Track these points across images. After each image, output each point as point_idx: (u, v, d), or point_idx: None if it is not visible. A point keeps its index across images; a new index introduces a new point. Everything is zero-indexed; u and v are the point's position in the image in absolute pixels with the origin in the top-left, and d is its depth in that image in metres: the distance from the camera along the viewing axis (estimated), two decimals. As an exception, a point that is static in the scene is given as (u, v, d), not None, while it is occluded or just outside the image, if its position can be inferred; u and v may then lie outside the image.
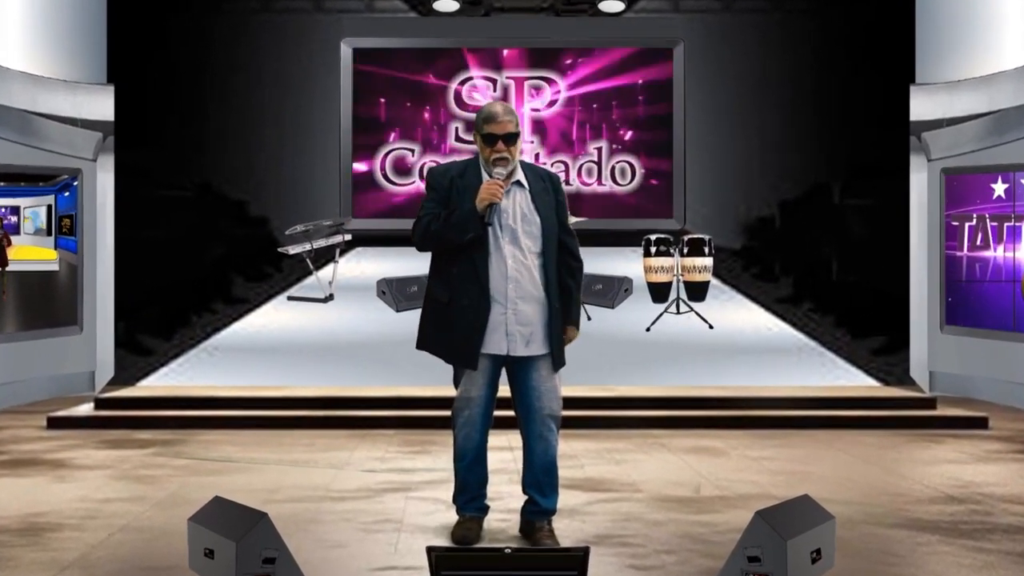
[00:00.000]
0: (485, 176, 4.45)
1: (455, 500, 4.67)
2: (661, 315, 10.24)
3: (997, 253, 9.04)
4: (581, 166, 12.84)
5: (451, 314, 4.45)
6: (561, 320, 4.51)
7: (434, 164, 11.12)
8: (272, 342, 9.93)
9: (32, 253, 8.96)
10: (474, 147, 4.61)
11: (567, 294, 4.55)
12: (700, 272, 10.60)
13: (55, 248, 9.13)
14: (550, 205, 4.54)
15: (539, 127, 12.92)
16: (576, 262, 4.62)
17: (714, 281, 11.00)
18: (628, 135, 12.85)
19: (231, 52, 12.06)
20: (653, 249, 10.66)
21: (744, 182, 12.39)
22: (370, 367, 8.99)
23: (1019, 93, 8.96)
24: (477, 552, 4.12)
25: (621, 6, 12.63)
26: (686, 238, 10.68)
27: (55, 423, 7.70)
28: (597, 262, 10.54)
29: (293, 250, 11.25)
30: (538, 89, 12.90)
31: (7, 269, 8.73)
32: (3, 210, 8.76)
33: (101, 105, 9.72)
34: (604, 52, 12.85)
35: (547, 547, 4.35)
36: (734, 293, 11.75)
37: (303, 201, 12.37)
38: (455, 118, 12.82)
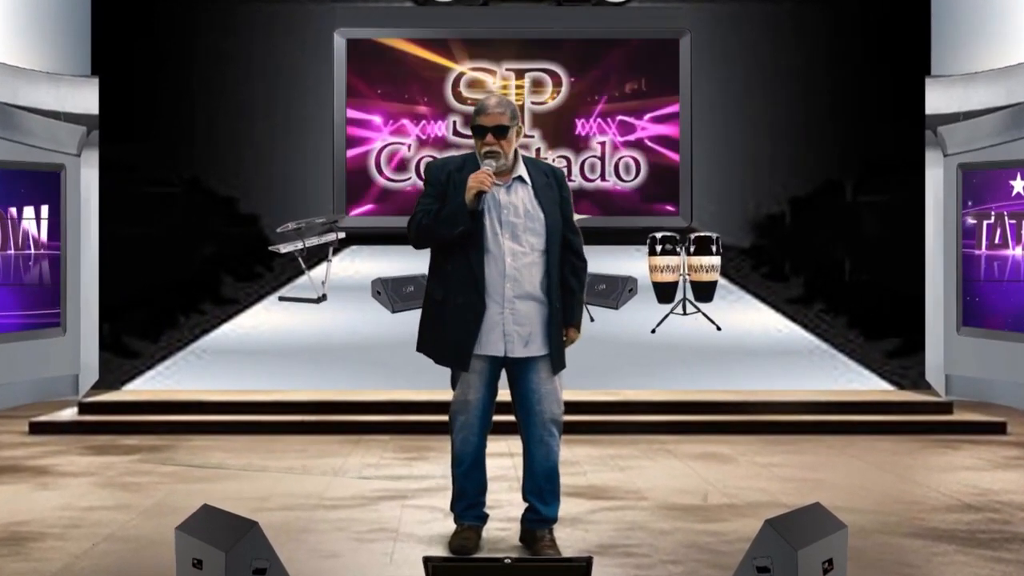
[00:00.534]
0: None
1: (453, 508, 4.68)
2: (667, 316, 10.24)
3: (1016, 252, 9.04)
4: (584, 161, 12.84)
5: (445, 313, 4.46)
6: (561, 320, 4.52)
7: (431, 159, 11.12)
8: (263, 344, 9.93)
9: None
10: (472, 142, 4.63)
11: (569, 294, 4.56)
12: (707, 271, 10.60)
13: None
14: (554, 201, 4.55)
15: (540, 121, 12.91)
16: (580, 261, 4.62)
17: (722, 281, 11.00)
18: (632, 129, 12.85)
19: (220, 43, 12.05)
20: (658, 247, 10.66)
21: (753, 178, 12.38)
22: (365, 370, 8.99)
23: (1039, 85, 8.97)
24: (476, 562, 4.12)
25: (625, -5, 12.62)
26: (693, 236, 10.68)
27: (37, 428, 7.70)
28: (600, 261, 10.53)
29: (284, 248, 11.24)
30: (539, 82, 12.89)
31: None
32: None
33: (85, 98, 9.72)
34: (607, 43, 12.84)
35: (548, 557, 4.35)
36: (743, 293, 11.75)
37: (295, 198, 12.35)
38: (453, 111, 12.82)
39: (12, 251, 8.99)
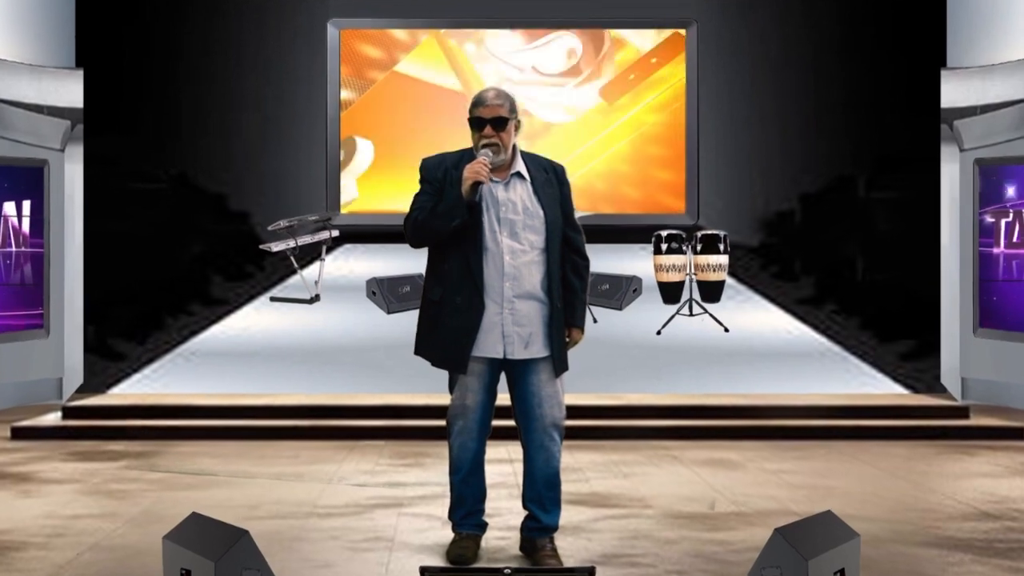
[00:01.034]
0: (477, 167, 4.47)
1: (451, 516, 4.68)
2: (673, 317, 10.25)
3: (1035, 250, 9.04)
4: (586, 157, 12.85)
5: (442, 313, 4.46)
6: (563, 321, 4.52)
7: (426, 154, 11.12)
8: (254, 346, 9.93)
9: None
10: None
11: (571, 293, 4.56)
12: (715, 271, 10.60)
13: None
14: (554, 197, 4.55)
15: (540, 113, 12.92)
16: (582, 260, 4.63)
17: (730, 280, 11.01)
18: (637, 123, 12.86)
19: (209, 34, 12.06)
20: (664, 246, 10.66)
21: (762, 174, 12.40)
22: (359, 373, 8.99)
23: (1058, 78, 8.97)
24: (474, 573, 4.14)
25: (629, -17, 12.65)
26: (699, 234, 10.69)
27: (19, 433, 7.70)
28: (603, 260, 10.54)
29: (276, 247, 11.25)
30: (540, 72, 12.90)
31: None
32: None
33: (69, 91, 9.72)
34: (612, 32, 12.85)
35: (550, 567, 4.35)
36: (751, 293, 11.76)
37: (287, 194, 12.37)
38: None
39: (-7, 250, 9.00)
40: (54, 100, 9.63)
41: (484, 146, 4.45)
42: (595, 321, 9.92)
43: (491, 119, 4.47)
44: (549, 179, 4.58)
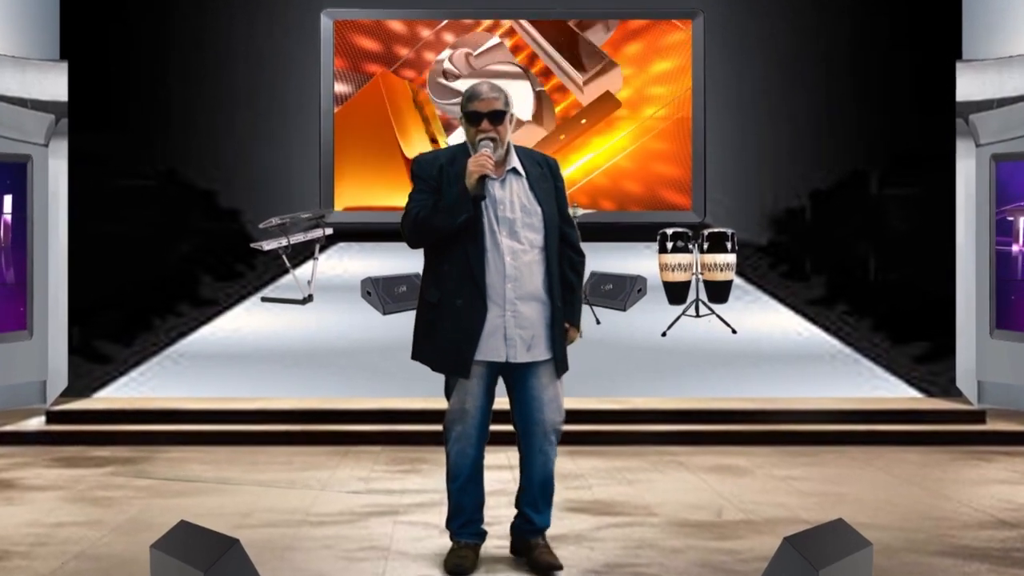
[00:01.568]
0: (475, 161, 4.47)
1: (448, 525, 4.68)
2: (678, 318, 10.25)
3: (1053, 249, 9.04)
4: (587, 153, 12.85)
5: (442, 316, 4.46)
6: (563, 321, 4.53)
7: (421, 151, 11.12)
8: (244, 348, 9.93)
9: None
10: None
11: (569, 291, 4.57)
12: (722, 270, 10.60)
13: None
14: (550, 193, 4.56)
15: (539, 107, 12.92)
16: (578, 255, 4.64)
17: (737, 280, 11.01)
18: (641, 117, 12.86)
19: (198, 25, 12.05)
20: (669, 245, 10.66)
21: (771, 170, 12.39)
22: (354, 376, 8.99)
23: (1078, 70, 8.97)
24: (473, 583, 4.13)
25: (633, -27, 12.64)
26: (706, 232, 10.69)
27: (1, 439, 7.71)
28: (606, 259, 10.54)
29: (268, 246, 11.25)
30: (537, 65, 12.90)
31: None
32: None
33: (53, 84, 9.72)
34: (614, 24, 12.86)
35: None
36: (760, 294, 11.76)
37: (279, 191, 12.36)
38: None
39: (-25, 248, 9.00)
40: (37, 93, 9.63)
41: (481, 140, 4.46)
42: (598, 322, 9.91)
43: (488, 113, 4.47)
44: (544, 174, 4.59)
